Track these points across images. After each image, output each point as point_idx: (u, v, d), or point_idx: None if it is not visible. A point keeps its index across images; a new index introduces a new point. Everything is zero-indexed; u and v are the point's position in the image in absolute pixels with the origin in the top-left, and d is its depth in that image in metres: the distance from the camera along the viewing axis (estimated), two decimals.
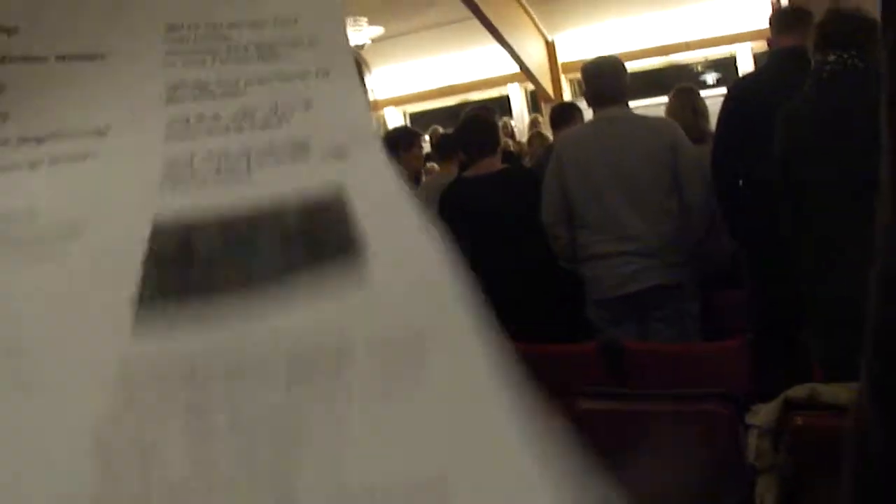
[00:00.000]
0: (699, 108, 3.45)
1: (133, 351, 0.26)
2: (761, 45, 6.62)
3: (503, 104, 7.84)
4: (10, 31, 0.37)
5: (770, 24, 2.79)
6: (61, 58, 0.38)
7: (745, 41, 7.11)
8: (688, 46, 7.35)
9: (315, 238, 0.30)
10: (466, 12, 5.85)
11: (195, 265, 0.30)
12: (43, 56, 0.38)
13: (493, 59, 7.42)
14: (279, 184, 0.33)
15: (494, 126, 3.26)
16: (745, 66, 7.08)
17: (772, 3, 6.61)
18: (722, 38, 7.22)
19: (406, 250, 0.29)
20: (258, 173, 0.33)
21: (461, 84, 7.80)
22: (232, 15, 0.40)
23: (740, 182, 2.61)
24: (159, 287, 0.29)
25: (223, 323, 0.27)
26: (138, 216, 0.31)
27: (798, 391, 1.69)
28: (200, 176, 0.33)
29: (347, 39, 0.41)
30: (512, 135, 6.27)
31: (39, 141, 0.35)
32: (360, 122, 0.36)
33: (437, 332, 0.23)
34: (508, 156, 3.68)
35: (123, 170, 0.34)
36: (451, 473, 0.19)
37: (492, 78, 7.97)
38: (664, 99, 3.83)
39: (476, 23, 6.04)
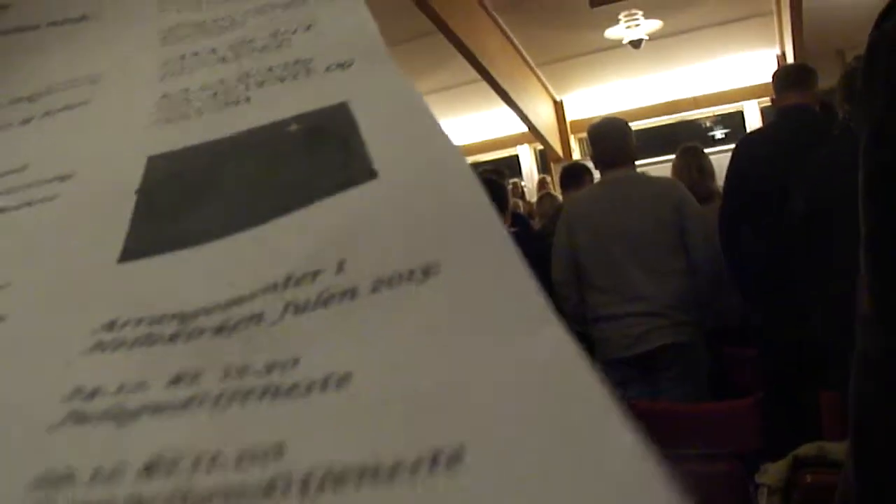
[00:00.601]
0: (705, 168, 3.44)
1: (118, 296, 0.23)
2: (768, 101, 6.67)
3: (512, 164, 7.87)
4: (3, 7, 0.39)
5: (773, 81, 2.79)
6: (53, 23, 0.38)
7: (753, 97, 7.14)
8: (695, 103, 7.39)
9: (316, 158, 0.27)
10: (475, 74, 5.91)
11: (186, 194, 0.27)
12: (35, 24, 0.38)
13: (503, 119, 7.45)
14: (279, 101, 0.31)
15: (504, 191, 3.29)
16: (753, 122, 7.10)
17: (777, 59, 6.68)
18: (729, 93, 7.25)
19: (416, 167, 0.25)
20: (257, 94, 0.31)
21: (471, 145, 7.84)
22: None
23: (747, 242, 2.61)
24: (148, 217, 0.26)
25: (212, 248, 0.24)
26: (130, 154, 0.29)
27: (807, 449, 1.70)
28: (196, 106, 0.32)
29: None
30: (522, 195, 6.30)
31: (31, 99, 0.34)
32: (364, 37, 0.33)
33: (450, 265, 0.20)
34: (517, 217, 3.71)
35: (116, 113, 0.33)
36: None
37: (501, 138, 8.00)
38: (673, 157, 3.85)
39: (485, 85, 6.10)
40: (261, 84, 0.32)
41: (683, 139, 4.98)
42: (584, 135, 4.15)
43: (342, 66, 0.31)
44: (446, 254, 0.20)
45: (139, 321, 0.21)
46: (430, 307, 0.19)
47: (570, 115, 7.71)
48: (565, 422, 0.15)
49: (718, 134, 7.66)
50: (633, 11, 5.81)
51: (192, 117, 0.31)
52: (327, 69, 0.31)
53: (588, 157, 3.90)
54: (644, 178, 2.85)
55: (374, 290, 0.20)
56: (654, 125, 7.41)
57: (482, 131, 7.96)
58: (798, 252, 2.27)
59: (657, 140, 7.02)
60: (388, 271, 0.20)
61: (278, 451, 0.16)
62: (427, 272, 0.19)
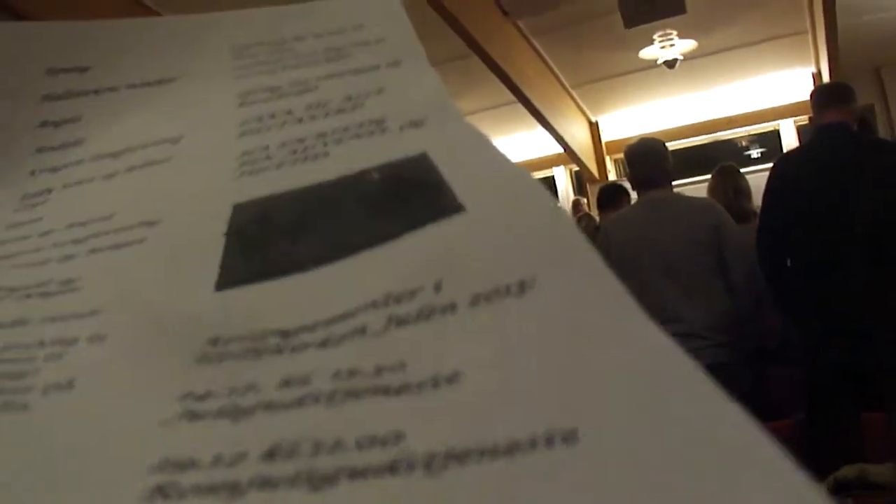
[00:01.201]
0: (742, 188, 3.43)
1: (218, 317, 0.24)
2: (804, 119, 6.63)
3: (549, 185, 7.87)
4: (82, 70, 0.39)
5: (811, 99, 2.78)
6: (132, 86, 0.39)
7: (789, 116, 7.11)
8: (731, 123, 7.36)
9: (402, 198, 0.28)
10: (510, 97, 5.93)
11: (276, 232, 0.28)
12: (114, 86, 0.39)
13: (538, 141, 7.48)
14: (358, 155, 0.31)
15: None
16: (789, 140, 7.07)
17: (812, 77, 6.65)
18: (765, 112, 7.22)
19: (501, 200, 0.25)
20: (336, 150, 0.32)
21: None
22: (296, 30, 0.41)
23: (788, 261, 2.60)
24: (242, 255, 0.27)
25: (309, 276, 0.25)
26: (215, 203, 0.30)
27: (847, 471, 1.69)
28: (277, 161, 0.32)
29: (415, 36, 0.39)
30: None
31: (114, 156, 0.35)
32: (435, 97, 0.34)
33: (545, 279, 0.20)
34: None
35: (198, 168, 0.34)
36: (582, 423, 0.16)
37: (536, 160, 7.99)
38: (709, 176, 3.84)
39: (520, 107, 6.12)
40: (338, 141, 0.32)
41: (719, 159, 4.97)
42: (620, 155, 4.16)
43: (415, 124, 0.32)
44: (540, 269, 0.21)
45: (242, 338, 0.22)
46: (530, 317, 0.20)
47: (606, 136, 7.72)
48: (674, 411, 0.16)
49: (754, 153, 7.62)
50: (668, 31, 5.81)
51: (274, 170, 0.32)
52: (401, 128, 0.32)
53: (625, 178, 3.90)
54: (681, 198, 2.85)
55: (473, 304, 0.21)
56: (689, 145, 7.40)
57: (517, 153, 7.92)
58: (850, 268, 2.26)
59: (692, 160, 7.01)
60: (486, 287, 0.21)
61: (398, 436, 0.17)
62: (523, 287, 0.20)
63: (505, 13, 5.26)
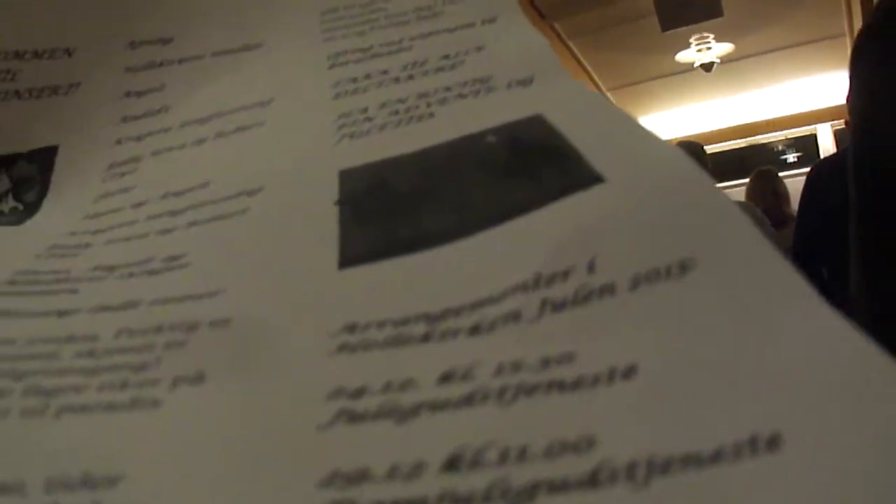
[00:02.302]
0: (780, 192, 3.41)
1: (349, 299, 0.22)
2: (842, 124, 6.57)
3: None
4: (165, 41, 0.39)
5: (847, 104, 2.75)
6: (217, 53, 0.38)
7: (826, 120, 7.05)
8: (767, 126, 7.31)
9: (529, 164, 0.26)
10: None
11: (396, 201, 0.26)
12: (199, 55, 0.38)
13: None
14: (466, 116, 0.29)
15: None
16: (826, 145, 6.99)
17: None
18: (801, 116, 7.14)
19: (641, 168, 0.23)
20: (441, 111, 0.30)
21: None
22: None
23: (824, 271, 2.58)
24: (361, 228, 0.25)
25: (442, 252, 0.23)
26: (318, 169, 0.29)
27: None
28: (379, 123, 0.31)
29: None
30: None
31: (202, 122, 0.34)
32: (538, 54, 0.32)
33: (705, 259, 0.19)
34: None
35: (294, 131, 0.32)
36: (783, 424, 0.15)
37: None
38: (746, 181, 3.84)
39: None
40: (442, 101, 0.31)
41: (755, 163, 4.94)
42: None
43: (523, 82, 0.30)
44: (699, 248, 0.19)
45: (382, 323, 0.20)
46: (695, 301, 0.18)
47: None
48: (864, 395, 0.14)
49: (791, 157, 7.54)
50: (705, 35, 5.79)
51: (377, 133, 0.30)
52: (508, 86, 0.31)
53: None
54: None
55: (633, 286, 0.19)
56: (725, 149, 7.36)
57: None
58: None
59: (728, 164, 6.97)
60: (644, 268, 0.19)
61: (590, 442, 0.15)
62: (684, 267, 0.19)
63: (542, 16, 5.27)
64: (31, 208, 0.33)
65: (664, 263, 0.19)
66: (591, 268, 0.20)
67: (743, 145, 7.47)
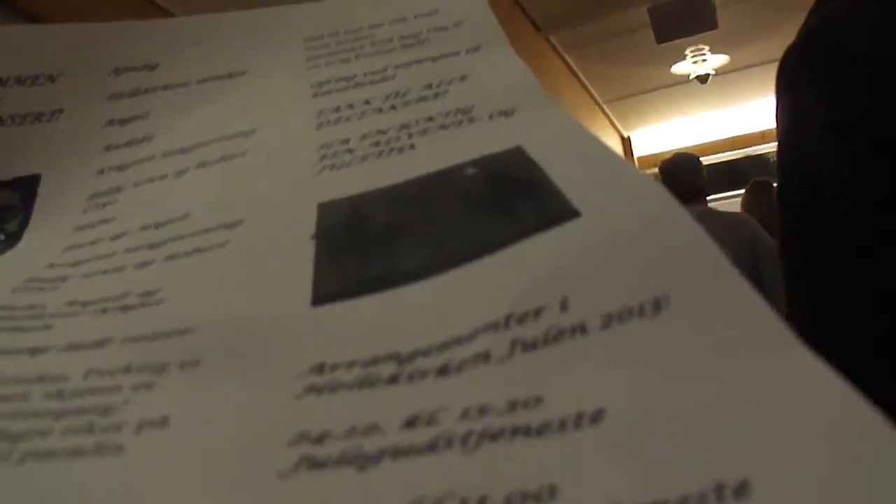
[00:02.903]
0: (775, 203, 3.45)
1: (320, 338, 0.22)
2: None
3: None
4: (150, 68, 0.38)
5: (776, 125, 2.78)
6: (202, 80, 0.38)
7: None
8: (762, 137, 7.34)
9: (505, 198, 0.25)
10: None
11: (371, 236, 0.26)
12: (184, 81, 0.38)
13: None
14: (446, 148, 0.29)
15: None
16: None
17: None
18: None
19: (617, 202, 0.23)
20: (421, 142, 0.30)
21: None
22: (370, 18, 0.40)
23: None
24: (336, 263, 0.25)
25: (414, 289, 0.23)
26: (298, 201, 0.28)
27: None
28: (359, 154, 0.30)
29: (494, 18, 0.37)
30: None
31: (185, 151, 0.34)
32: (522, 84, 0.32)
33: (680, 297, 0.18)
34: None
35: (276, 162, 0.32)
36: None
37: None
38: (741, 192, 3.85)
39: None
40: (423, 132, 0.31)
41: (751, 174, 4.95)
42: (653, 170, 4.17)
43: (505, 113, 0.30)
44: (673, 285, 0.19)
45: (350, 363, 0.20)
46: (668, 340, 0.18)
47: (639, 151, 7.70)
48: (842, 444, 0.14)
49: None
50: (700, 47, 5.82)
51: (357, 165, 0.30)
52: (490, 117, 0.30)
53: None
54: (716, 213, 2.87)
55: (605, 326, 0.19)
56: (721, 160, 7.38)
57: None
58: None
59: (724, 175, 6.99)
60: (617, 306, 0.19)
61: (552, 491, 0.15)
62: (657, 305, 0.18)
63: (538, 28, 5.29)
64: (13, 238, 0.32)
65: (637, 301, 0.19)
66: (563, 306, 0.20)
67: (739, 156, 7.49)
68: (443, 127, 0.31)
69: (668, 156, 3.08)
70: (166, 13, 3.38)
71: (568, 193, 0.24)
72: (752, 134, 7.34)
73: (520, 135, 0.28)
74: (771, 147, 7.38)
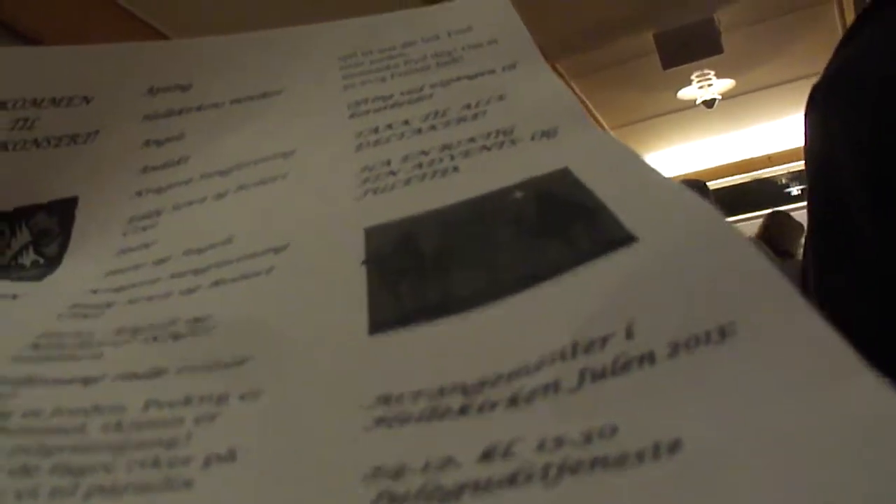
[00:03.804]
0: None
1: (382, 368, 0.21)
2: None
3: None
4: (184, 88, 0.38)
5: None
6: (236, 101, 0.38)
7: None
8: (770, 161, 7.33)
9: (558, 222, 0.25)
10: None
11: (424, 262, 0.25)
12: (218, 102, 0.38)
13: None
14: (491, 170, 0.29)
15: None
16: None
17: None
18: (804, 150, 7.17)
19: (675, 227, 0.22)
20: (465, 164, 0.30)
21: None
22: (404, 36, 0.40)
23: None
24: (390, 290, 0.24)
25: (475, 316, 0.22)
26: (344, 226, 0.28)
27: None
28: (403, 177, 0.30)
29: (528, 35, 0.37)
30: None
31: (223, 173, 0.34)
32: (561, 103, 0.32)
33: (746, 324, 0.18)
34: None
35: (317, 185, 0.32)
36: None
37: None
38: (750, 215, 3.86)
39: None
40: (466, 154, 0.30)
41: (759, 197, 4.95)
42: None
43: (547, 134, 0.30)
44: (739, 313, 0.18)
45: (417, 394, 0.20)
46: (737, 369, 0.17)
47: None
48: None
49: (794, 191, 7.55)
50: (706, 72, 5.82)
51: (401, 188, 0.29)
52: (532, 137, 0.30)
53: None
54: None
55: (672, 354, 0.18)
56: (729, 184, 7.37)
57: None
58: None
59: (732, 198, 6.98)
60: (683, 334, 0.19)
61: None
62: (724, 333, 0.18)
63: (544, 56, 5.30)
64: (53, 262, 0.32)
65: (703, 329, 0.18)
66: (629, 334, 0.19)
67: (746, 180, 7.47)
68: (485, 148, 0.30)
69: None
70: (162, 36, 3.38)
71: (621, 217, 0.24)
72: (759, 158, 7.33)
73: (565, 156, 0.28)
74: (778, 170, 7.39)
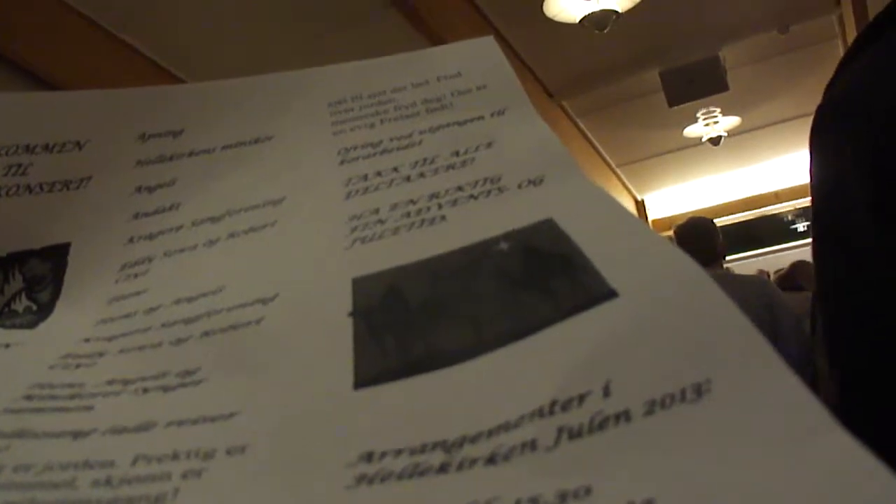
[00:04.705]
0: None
1: (366, 424, 0.22)
2: None
3: None
4: (175, 134, 0.38)
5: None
6: (227, 146, 0.38)
7: None
8: (777, 198, 7.35)
9: (541, 276, 0.25)
10: None
11: (409, 315, 0.25)
12: (209, 148, 0.38)
13: None
14: (478, 220, 0.29)
15: None
16: None
17: None
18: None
19: (655, 282, 0.23)
20: (452, 213, 0.30)
21: None
22: (393, 81, 0.40)
23: None
24: (376, 343, 0.24)
25: (458, 372, 0.22)
26: (332, 276, 0.28)
27: None
28: (391, 226, 0.30)
29: (517, 82, 0.37)
30: None
31: (214, 220, 0.34)
32: (549, 150, 0.32)
33: (721, 382, 0.18)
34: None
35: (306, 234, 0.32)
36: None
37: None
38: (756, 251, 3.89)
39: None
40: (454, 203, 0.30)
41: (765, 234, 4.96)
42: (668, 233, 4.18)
43: (534, 182, 0.30)
44: (715, 371, 0.19)
45: (399, 451, 0.20)
46: (711, 427, 0.18)
47: (653, 214, 7.72)
48: None
49: (800, 227, 7.57)
50: (712, 109, 5.86)
51: (389, 237, 0.30)
52: (519, 186, 0.30)
53: None
54: (733, 276, 2.87)
55: (648, 412, 0.19)
56: (735, 221, 7.38)
57: None
58: None
59: (739, 236, 6.99)
60: (659, 392, 0.19)
61: None
62: (699, 391, 0.18)
63: (550, 95, 5.34)
64: (45, 309, 0.32)
65: (679, 387, 0.19)
66: (606, 392, 0.20)
67: (754, 216, 7.49)
68: (472, 197, 0.30)
69: (682, 219, 3.08)
70: (177, 80, 3.40)
71: (603, 271, 0.24)
72: (767, 194, 7.35)
73: (550, 206, 0.28)
74: (785, 207, 7.40)
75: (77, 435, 0.23)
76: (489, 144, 0.34)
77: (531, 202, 0.29)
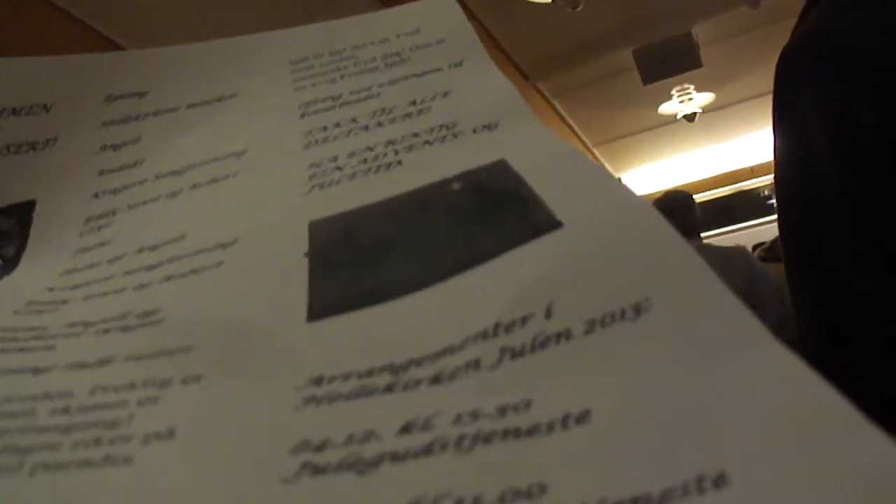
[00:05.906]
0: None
1: (317, 352, 0.22)
2: None
3: None
4: (140, 95, 0.39)
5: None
6: (192, 105, 0.39)
7: None
8: (752, 173, 7.39)
9: (491, 211, 0.26)
10: None
11: (362, 253, 0.26)
12: (174, 107, 0.39)
13: None
14: (432, 163, 0.30)
15: None
16: None
17: None
18: None
19: (598, 212, 0.24)
20: (408, 158, 0.31)
21: None
22: (354, 39, 0.41)
23: None
24: (329, 280, 0.25)
25: (407, 302, 0.23)
26: (290, 220, 0.29)
27: None
28: (348, 172, 0.31)
29: (475, 35, 0.38)
30: None
31: (177, 173, 0.34)
32: (505, 98, 0.33)
33: (660, 300, 0.19)
34: None
35: (267, 182, 0.33)
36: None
37: None
38: (732, 227, 3.90)
39: None
40: (409, 149, 0.31)
41: (742, 209, 4.99)
42: None
43: (488, 127, 0.31)
44: (654, 290, 0.19)
45: (347, 375, 0.21)
46: (648, 342, 0.18)
47: None
48: (815, 434, 0.15)
49: (775, 202, 7.61)
50: (686, 86, 5.87)
51: (346, 182, 0.31)
52: (474, 131, 0.31)
53: None
54: (711, 248, 2.88)
55: (588, 331, 0.19)
56: (712, 197, 7.41)
57: None
58: None
59: (716, 211, 7.02)
60: (599, 312, 0.20)
61: (541, 488, 0.16)
62: (638, 309, 0.19)
63: (525, 77, 5.34)
64: (11, 263, 0.32)
65: (619, 307, 0.20)
66: (548, 314, 0.21)
67: (730, 192, 7.52)
68: (428, 143, 0.32)
69: (659, 195, 3.10)
70: (118, 47, 3.37)
71: (551, 205, 0.25)
72: (742, 170, 7.39)
73: (504, 148, 0.29)
74: (760, 182, 7.43)
75: (37, 371, 0.23)
76: (446, 94, 0.35)
77: (485, 145, 0.30)
